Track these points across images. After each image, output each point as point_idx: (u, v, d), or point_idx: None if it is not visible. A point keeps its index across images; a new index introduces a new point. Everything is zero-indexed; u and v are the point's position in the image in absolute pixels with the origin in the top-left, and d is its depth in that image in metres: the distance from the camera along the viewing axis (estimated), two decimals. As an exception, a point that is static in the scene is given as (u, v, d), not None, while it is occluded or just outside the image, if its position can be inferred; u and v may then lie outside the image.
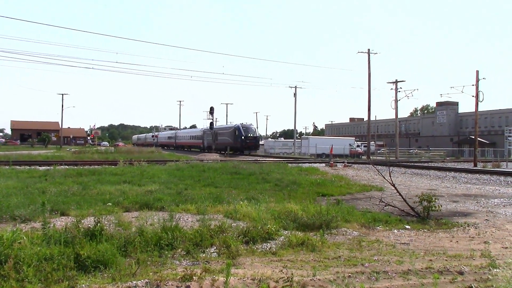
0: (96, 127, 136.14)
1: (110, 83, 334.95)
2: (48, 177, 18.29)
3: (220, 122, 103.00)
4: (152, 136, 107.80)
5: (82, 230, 7.28)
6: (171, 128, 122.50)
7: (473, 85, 40.03)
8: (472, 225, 10.13)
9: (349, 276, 6.03)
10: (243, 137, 55.37)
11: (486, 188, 18.55)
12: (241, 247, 7.43)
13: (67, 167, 24.64)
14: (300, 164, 31.09)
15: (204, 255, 7.13)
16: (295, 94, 67.14)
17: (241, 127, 56.63)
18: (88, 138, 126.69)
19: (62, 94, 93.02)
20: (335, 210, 10.52)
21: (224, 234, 7.93)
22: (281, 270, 6.29)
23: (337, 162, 33.77)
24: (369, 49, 50.00)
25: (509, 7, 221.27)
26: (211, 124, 58.42)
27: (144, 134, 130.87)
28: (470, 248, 7.84)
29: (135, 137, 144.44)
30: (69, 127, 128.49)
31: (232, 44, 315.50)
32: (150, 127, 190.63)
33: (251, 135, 56.95)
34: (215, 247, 7.49)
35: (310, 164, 31.98)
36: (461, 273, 6.25)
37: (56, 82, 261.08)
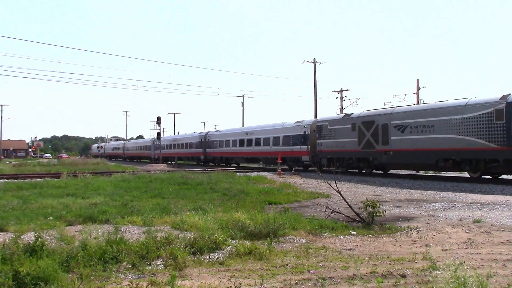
0: (38, 139, 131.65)
1: (52, 93, 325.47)
2: (-15, 191, 17.48)
3: (168, 132, 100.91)
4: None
5: (21, 246, 7.00)
6: (117, 139, 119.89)
7: (414, 93, 41.55)
8: (415, 229, 10.43)
9: (296, 283, 6.08)
10: None
11: (428, 193, 19.18)
12: (188, 258, 7.34)
13: (6, 180, 23.63)
14: (248, 173, 31.15)
15: (150, 267, 7.00)
16: (242, 103, 67.36)
17: None
18: (30, 150, 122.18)
19: (1, 105, 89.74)
20: (282, 218, 10.60)
21: (171, 246, 7.82)
22: (229, 280, 6.26)
23: (285, 170, 34.06)
24: (314, 59, 50.81)
25: (447, 20, 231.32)
26: (158, 134, 57.40)
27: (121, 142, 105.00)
28: (412, 251, 8.07)
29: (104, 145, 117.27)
30: (9, 139, 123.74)
31: (178, 54, 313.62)
32: (95, 138, 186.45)
33: None
34: (161, 259, 7.37)
35: (258, 173, 32.10)
36: (403, 276, 6.42)
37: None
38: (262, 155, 41.23)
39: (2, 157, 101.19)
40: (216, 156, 50.43)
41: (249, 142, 43.15)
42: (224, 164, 49.16)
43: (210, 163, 52.22)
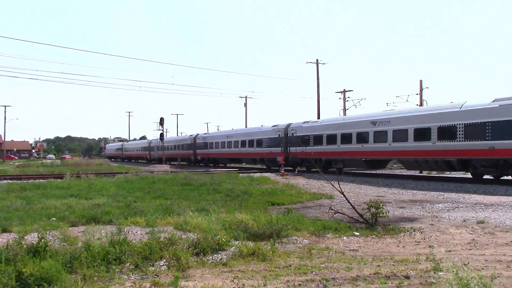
0: (41, 140, 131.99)
1: (56, 94, 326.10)
2: (-11, 192, 17.52)
3: (171, 133, 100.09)
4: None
5: (24, 246, 7.01)
6: (121, 140, 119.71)
7: (417, 94, 41.51)
8: (418, 230, 10.41)
9: (299, 285, 6.07)
10: None
11: (431, 193, 19.14)
12: (192, 259, 7.34)
13: (10, 181, 23.71)
14: (251, 174, 31.15)
15: (153, 268, 7.00)
16: (245, 104, 67.38)
17: None
18: (33, 151, 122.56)
19: (5, 106, 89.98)
20: (285, 219, 10.58)
21: (174, 246, 7.81)
22: (232, 281, 6.26)
23: (288, 171, 34.02)
24: (317, 59, 50.83)
25: (450, 20, 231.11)
26: (161, 135, 57.20)
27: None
28: (416, 252, 8.05)
29: (113, 146, 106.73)
30: (12, 140, 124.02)
31: (181, 55, 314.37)
32: (99, 138, 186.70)
33: None
34: (164, 260, 7.37)
35: (261, 174, 32.09)
36: (407, 277, 6.41)
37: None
38: (412, 156, 26.89)
39: (16, 157, 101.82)
40: (306, 157, 35.90)
41: (379, 135, 29.10)
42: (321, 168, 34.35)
43: (289, 167, 38.06)
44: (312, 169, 35.17)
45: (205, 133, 60.93)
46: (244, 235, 9.22)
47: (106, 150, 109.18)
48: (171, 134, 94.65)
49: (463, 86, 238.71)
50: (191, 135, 59.49)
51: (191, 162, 55.91)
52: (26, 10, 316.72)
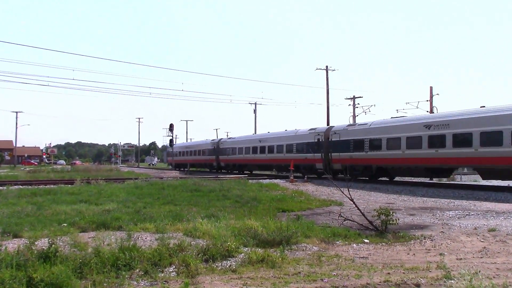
0: (52, 146, 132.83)
1: (67, 100, 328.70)
2: (0, 197, 17.65)
3: (180, 139, 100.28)
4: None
5: (35, 252, 7.06)
6: (130, 146, 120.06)
7: (427, 100, 41.35)
8: (428, 238, 10.33)
9: (309, 292, 6.04)
10: None
11: (442, 201, 19.00)
12: (201, 266, 7.33)
13: (21, 187, 23.85)
14: (260, 180, 31.11)
15: (162, 274, 7.00)
16: (255, 111, 67.17)
17: None
18: (44, 156, 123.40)
19: (16, 112, 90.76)
20: (295, 226, 10.55)
21: (183, 253, 7.82)
22: (241, 288, 6.25)
23: (297, 178, 33.95)
24: (327, 66, 50.70)
25: (461, 26, 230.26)
26: (171, 141, 57.29)
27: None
28: (426, 260, 7.99)
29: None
30: (23, 146, 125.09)
31: (191, 61, 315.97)
32: (109, 144, 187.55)
33: None
34: (174, 266, 7.37)
35: (270, 180, 32.04)
36: (418, 285, 6.36)
37: (9, 99, 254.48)
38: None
39: (36, 163, 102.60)
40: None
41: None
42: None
43: None
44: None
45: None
46: (253, 242, 9.21)
47: (175, 154, 69.53)
48: (180, 140, 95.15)
49: (476, 91, 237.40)
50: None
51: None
52: (38, 17, 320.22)
